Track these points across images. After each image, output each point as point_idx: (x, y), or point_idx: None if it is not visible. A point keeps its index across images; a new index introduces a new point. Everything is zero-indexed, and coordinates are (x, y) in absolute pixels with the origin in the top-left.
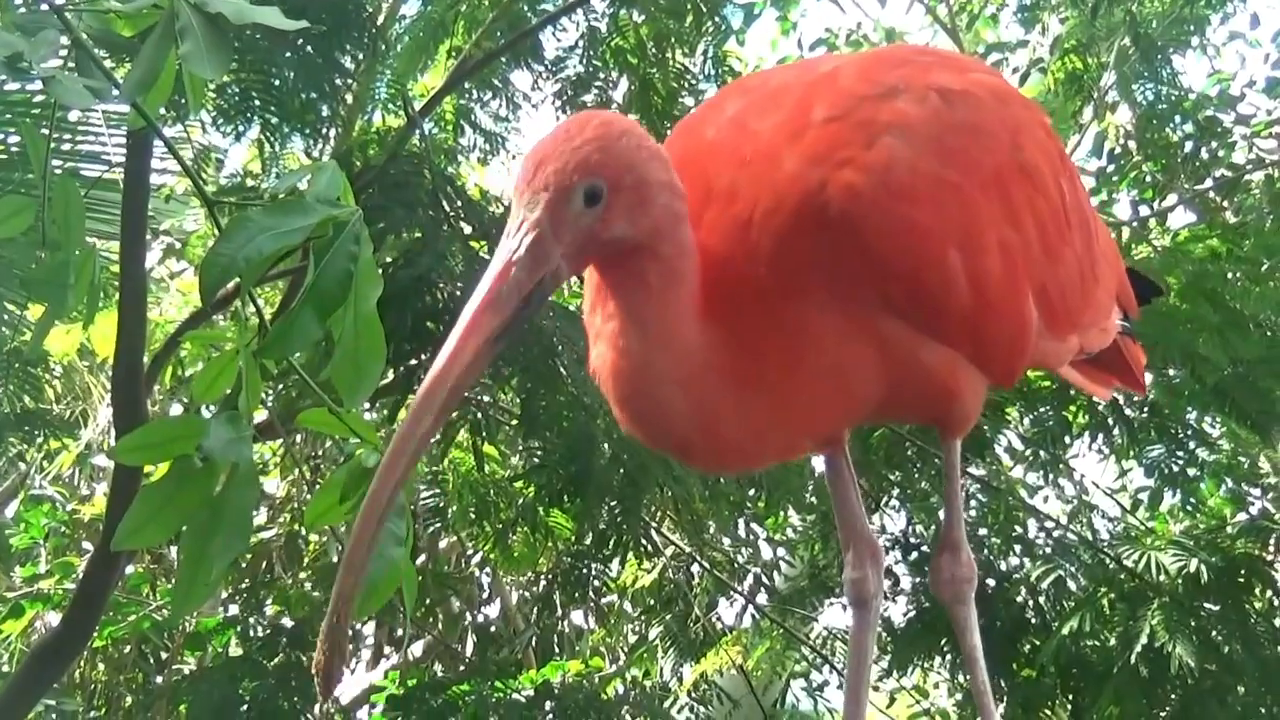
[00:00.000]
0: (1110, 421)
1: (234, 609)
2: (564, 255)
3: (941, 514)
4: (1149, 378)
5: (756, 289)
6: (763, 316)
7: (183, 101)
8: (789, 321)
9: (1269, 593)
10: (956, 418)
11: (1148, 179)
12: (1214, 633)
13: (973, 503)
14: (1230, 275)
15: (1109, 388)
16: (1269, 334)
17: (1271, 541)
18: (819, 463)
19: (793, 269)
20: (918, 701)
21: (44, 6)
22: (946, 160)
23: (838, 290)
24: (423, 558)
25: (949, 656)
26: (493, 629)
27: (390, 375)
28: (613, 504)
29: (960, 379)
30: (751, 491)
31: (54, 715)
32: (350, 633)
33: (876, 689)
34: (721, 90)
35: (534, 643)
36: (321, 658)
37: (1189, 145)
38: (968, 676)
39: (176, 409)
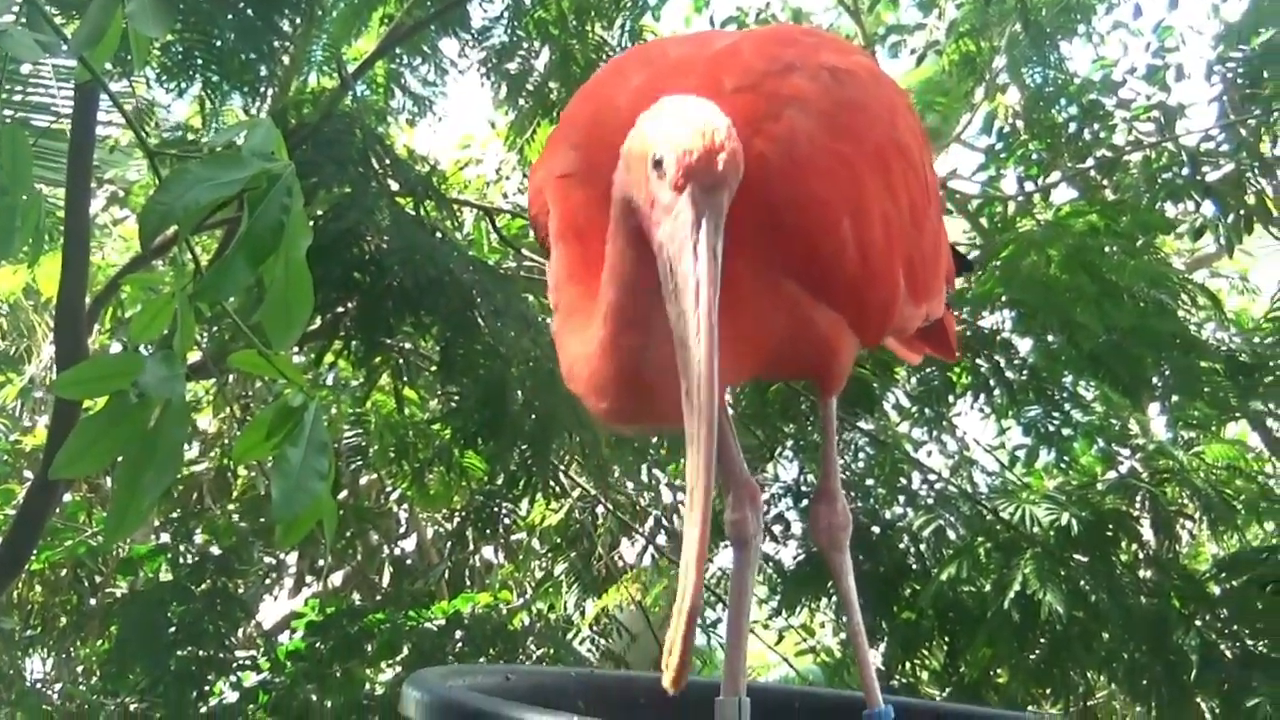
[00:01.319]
0: (991, 383)
1: (165, 537)
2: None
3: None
4: (1028, 342)
5: None
6: None
7: (128, 58)
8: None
9: (1134, 546)
10: (835, 375)
11: (1034, 157)
12: (1082, 582)
13: (861, 455)
14: (1108, 249)
15: (921, 354)
16: (1142, 305)
17: (1138, 498)
18: None
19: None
20: (804, 640)
21: None
22: (838, 134)
23: (750, 252)
24: (344, 493)
25: (834, 598)
26: (408, 562)
27: (318, 322)
28: (524, 447)
29: (842, 340)
30: (654, 439)
31: None
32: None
33: (766, 627)
34: (618, 60)
35: (446, 576)
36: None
37: (1073, 126)
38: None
39: (116, 348)
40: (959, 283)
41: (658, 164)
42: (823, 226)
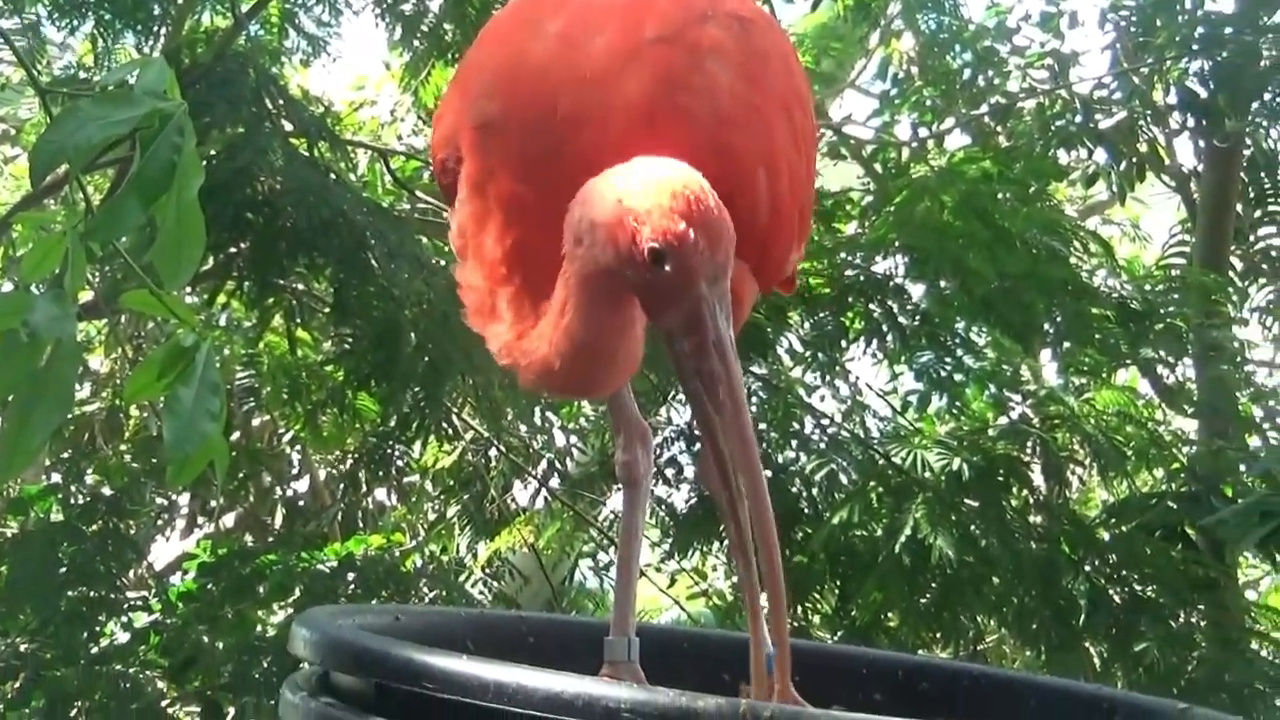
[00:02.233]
0: (884, 328)
1: (56, 477)
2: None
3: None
4: (921, 288)
5: None
6: None
7: None
8: None
9: (1025, 491)
10: (738, 322)
11: (928, 103)
12: (973, 527)
13: (754, 399)
14: (1001, 196)
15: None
16: (1034, 251)
17: (1029, 444)
18: None
19: None
20: (697, 583)
21: None
22: (752, 85)
23: None
24: (237, 435)
25: (725, 542)
26: (301, 504)
27: (210, 262)
28: (417, 390)
29: (746, 288)
30: None
31: None
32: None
33: (659, 570)
34: (521, 4)
35: (339, 517)
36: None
37: (967, 73)
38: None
39: (8, 287)
40: (849, 228)
41: (657, 257)
42: (741, 179)
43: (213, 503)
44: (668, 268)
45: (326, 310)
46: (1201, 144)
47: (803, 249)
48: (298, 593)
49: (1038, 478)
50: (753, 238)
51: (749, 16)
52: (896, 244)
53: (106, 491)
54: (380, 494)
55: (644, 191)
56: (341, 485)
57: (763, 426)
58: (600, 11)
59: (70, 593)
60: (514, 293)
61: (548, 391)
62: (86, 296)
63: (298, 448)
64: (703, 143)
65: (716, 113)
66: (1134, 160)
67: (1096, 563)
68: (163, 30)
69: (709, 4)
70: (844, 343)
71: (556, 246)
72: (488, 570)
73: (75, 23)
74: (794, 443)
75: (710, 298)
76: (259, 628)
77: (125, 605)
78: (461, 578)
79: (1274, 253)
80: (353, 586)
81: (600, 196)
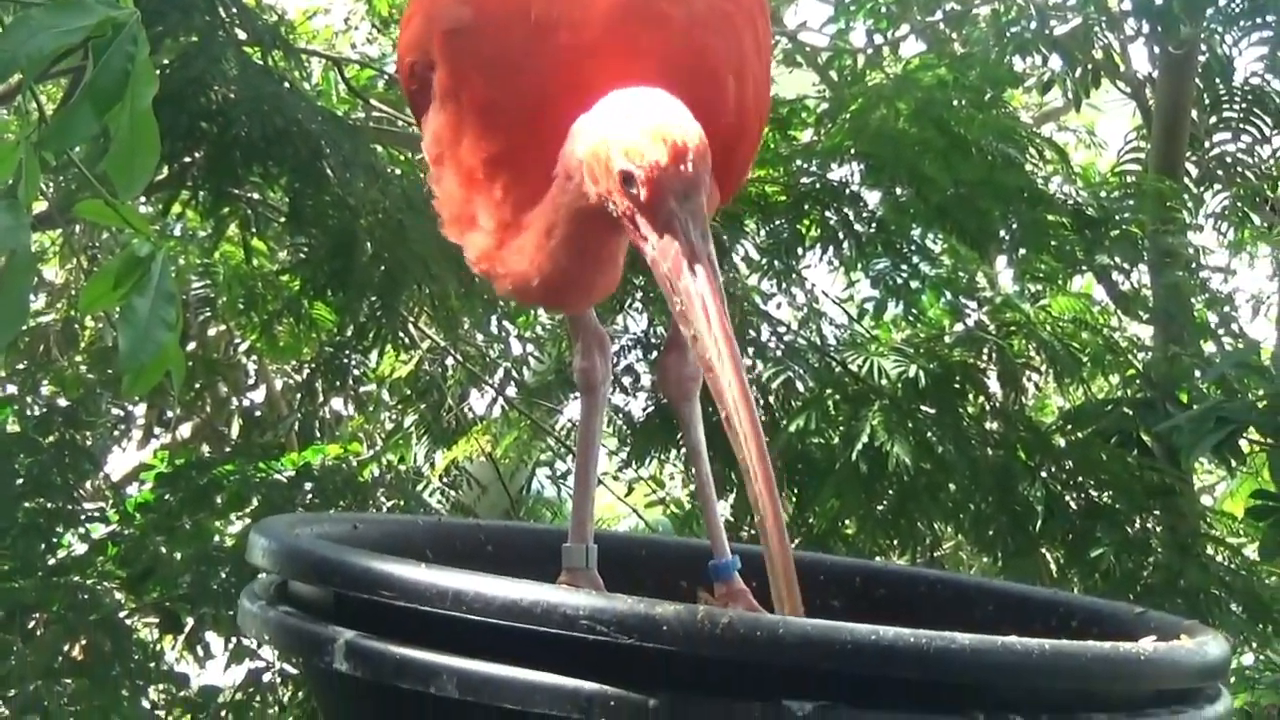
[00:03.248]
0: (840, 235)
1: (12, 389)
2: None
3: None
4: (877, 195)
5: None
6: None
7: None
8: None
9: (981, 398)
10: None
11: (883, 10)
12: (929, 434)
13: None
14: (956, 103)
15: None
16: (990, 159)
17: (985, 351)
18: None
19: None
20: (654, 491)
21: None
22: None
23: None
24: (193, 345)
25: (683, 450)
26: (257, 414)
27: (165, 171)
28: (373, 299)
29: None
30: None
31: None
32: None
33: (616, 479)
34: None
35: (296, 427)
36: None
37: None
38: (692, 468)
39: None
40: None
41: (627, 180)
42: (713, 84)
43: (169, 413)
44: (638, 191)
45: (282, 220)
46: (1156, 50)
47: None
48: (255, 503)
49: (994, 385)
50: (718, 146)
51: None
52: (852, 151)
53: (62, 403)
54: (337, 404)
55: (621, 122)
56: (298, 395)
57: None
58: None
59: (27, 504)
60: (494, 200)
61: (520, 301)
62: (41, 207)
63: (254, 358)
64: (679, 48)
65: (692, 18)
66: (1089, 67)
67: (1052, 469)
68: None
69: None
70: (800, 250)
71: (534, 153)
72: (445, 480)
73: None
74: (750, 350)
75: (682, 214)
76: (216, 538)
77: (82, 516)
78: (419, 487)
79: (1228, 159)
80: (310, 496)
81: (586, 133)
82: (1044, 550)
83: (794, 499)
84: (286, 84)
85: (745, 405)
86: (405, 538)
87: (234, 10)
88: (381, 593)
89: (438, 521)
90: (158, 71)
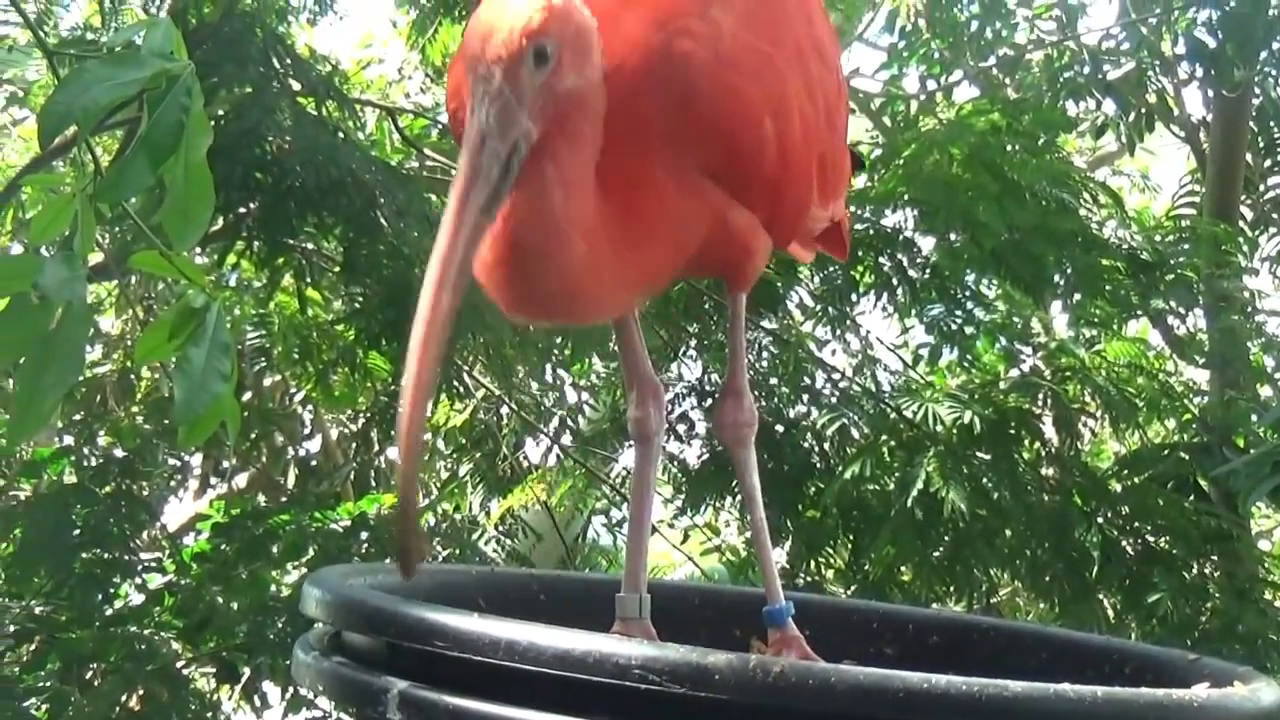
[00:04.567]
0: (894, 281)
1: (69, 439)
2: (530, 117)
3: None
4: (931, 241)
5: (612, 147)
6: (622, 174)
7: None
8: (641, 177)
9: (1036, 444)
10: (748, 275)
11: (936, 55)
12: (985, 480)
13: (764, 354)
14: (1009, 148)
15: (813, 252)
16: (1043, 203)
17: (1040, 396)
18: None
19: (637, 128)
20: (709, 539)
21: None
22: (760, 33)
23: (672, 151)
24: (248, 395)
25: (738, 497)
26: (314, 463)
27: (220, 222)
28: None
29: (757, 241)
30: (558, 339)
31: None
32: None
33: (671, 526)
34: None
35: (352, 476)
36: (399, 542)
37: (975, 25)
38: (746, 514)
39: (18, 249)
40: (857, 181)
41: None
42: (746, 125)
43: (225, 463)
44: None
45: (336, 269)
46: (1210, 94)
47: (833, 206)
48: (311, 552)
49: (1049, 430)
50: (761, 186)
51: None
52: (906, 197)
53: (119, 453)
54: (393, 452)
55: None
56: (354, 444)
57: (773, 382)
58: None
59: (84, 555)
60: None
61: (516, 313)
62: (96, 258)
63: (310, 407)
64: (704, 87)
65: (719, 57)
66: (1142, 111)
67: (1109, 514)
68: None
69: None
70: (854, 296)
71: None
72: (501, 528)
73: None
74: (805, 397)
75: (476, 92)
76: (273, 588)
77: (139, 567)
78: (475, 536)
79: None
80: (366, 546)
81: None
82: (1101, 596)
83: (850, 545)
84: (341, 134)
85: (436, 268)
86: (459, 587)
87: (288, 61)
88: (435, 643)
89: (491, 571)
90: (212, 123)
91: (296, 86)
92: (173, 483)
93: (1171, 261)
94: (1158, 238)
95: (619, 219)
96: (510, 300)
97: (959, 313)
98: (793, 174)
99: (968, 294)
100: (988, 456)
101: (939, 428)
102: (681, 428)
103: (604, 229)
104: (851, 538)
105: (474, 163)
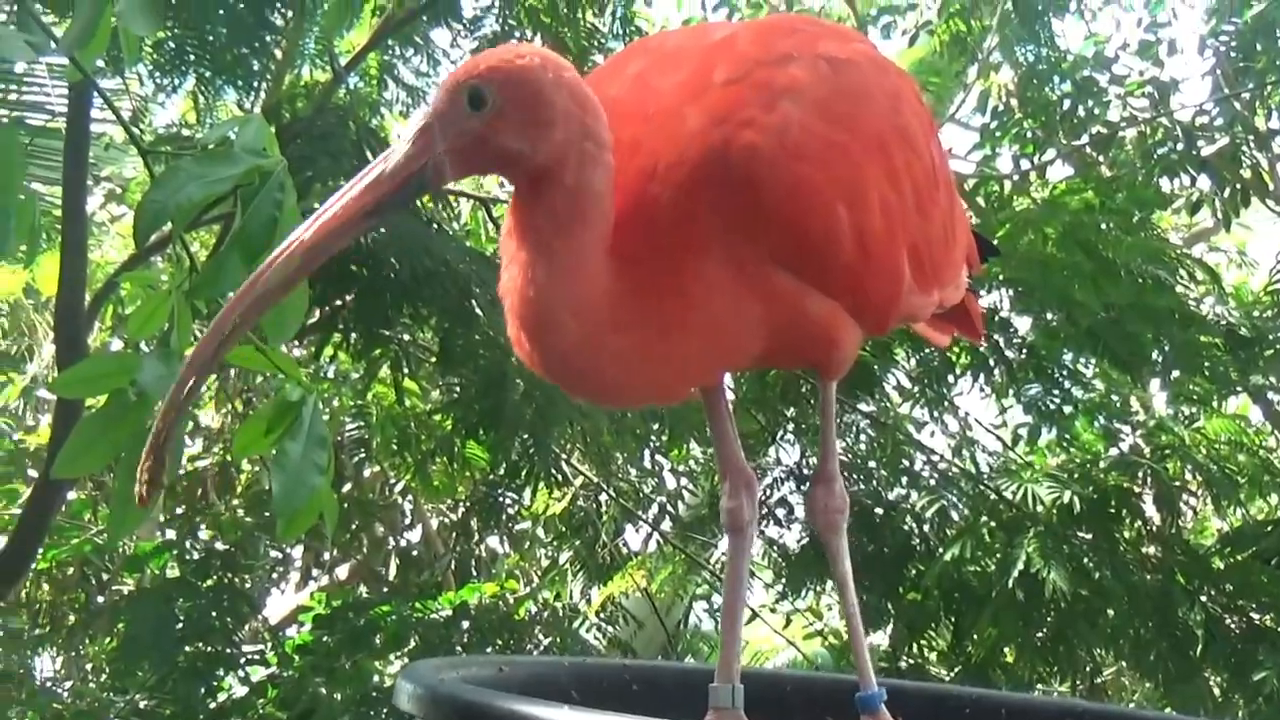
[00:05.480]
0: (991, 362)
1: (171, 533)
2: (446, 151)
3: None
4: (1027, 321)
5: (656, 238)
6: (660, 264)
7: (120, 55)
8: (685, 272)
9: (1137, 522)
10: (835, 363)
11: (1028, 135)
12: (1085, 559)
13: (862, 437)
14: (1104, 226)
15: (949, 335)
16: (1139, 281)
17: (1140, 475)
18: None
19: (692, 221)
20: (811, 623)
21: None
22: (834, 122)
23: (732, 244)
24: (348, 486)
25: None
26: (414, 553)
27: (317, 314)
28: (525, 436)
29: (840, 328)
30: (655, 426)
31: (0, 633)
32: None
33: (773, 611)
34: (621, 51)
35: (453, 566)
36: (144, 467)
37: (1067, 103)
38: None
39: (118, 345)
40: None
41: None
42: (814, 212)
43: (326, 555)
44: None
45: (433, 360)
46: None
47: (939, 293)
48: (413, 642)
49: (1150, 508)
50: (838, 274)
51: (845, 56)
52: (1001, 277)
53: (221, 546)
54: (492, 541)
55: None
56: (454, 534)
57: (871, 464)
58: (679, 55)
59: (187, 648)
60: None
61: (556, 381)
62: None
63: (409, 497)
64: (767, 176)
65: (785, 147)
66: (1237, 186)
67: (1212, 592)
68: (263, 85)
69: (796, 44)
70: (951, 377)
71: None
72: (602, 615)
73: (176, 81)
74: (904, 479)
75: (417, 114)
76: (375, 678)
77: (242, 659)
78: (575, 624)
79: None
80: (467, 635)
81: None
82: (1207, 675)
83: (951, 627)
84: (435, 225)
85: (289, 242)
86: (551, 679)
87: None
88: None
89: (583, 662)
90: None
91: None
92: (274, 575)
93: (1270, 337)
94: (1255, 313)
95: (639, 305)
96: (540, 368)
97: (1057, 392)
98: (875, 261)
99: (1065, 373)
100: (1088, 536)
101: (1039, 508)
102: (780, 512)
103: (610, 312)
104: (953, 620)
105: (376, 170)
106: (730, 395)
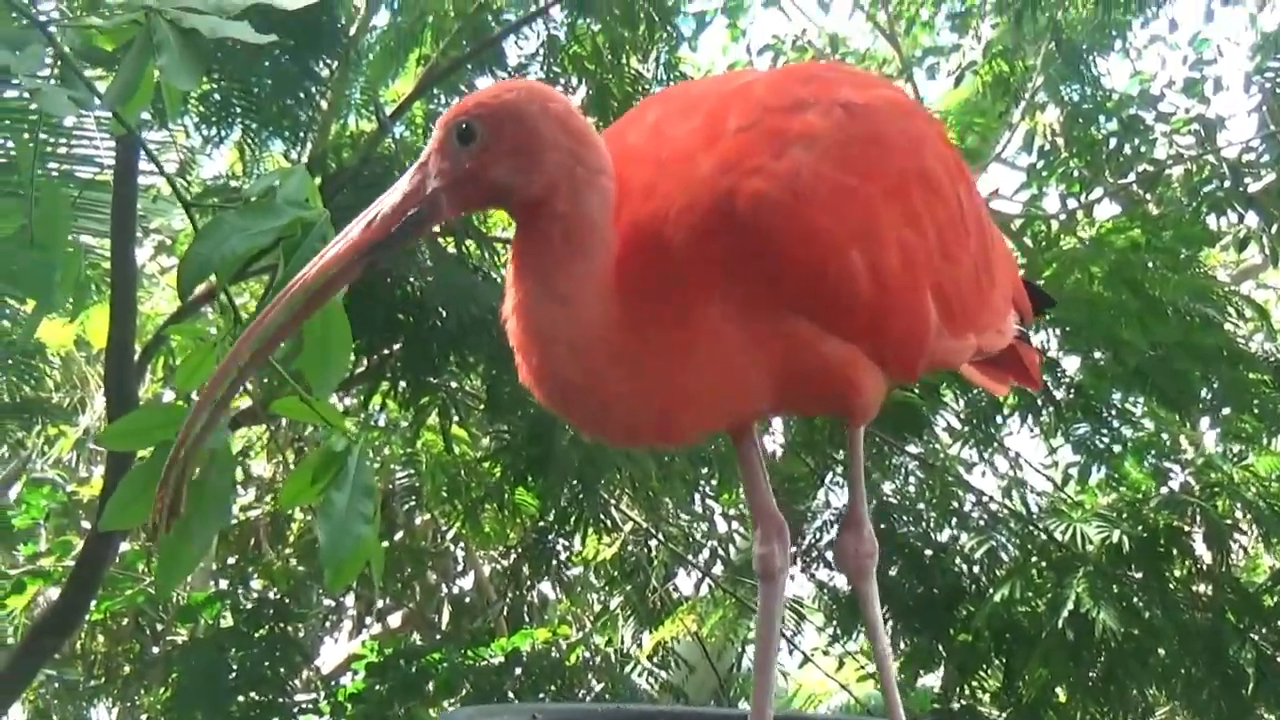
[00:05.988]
0: (1039, 402)
1: (223, 583)
2: (442, 188)
3: (872, 489)
4: (1075, 360)
5: (666, 282)
6: (668, 307)
7: (164, 109)
8: (693, 316)
9: (1187, 561)
10: (859, 408)
11: (1075, 174)
12: (1136, 599)
13: (911, 479)
14: (1151, 264)
15: (1006, 384)
16: (1186, 319)
17: (1190, 513)
18: (769, 443)
19: (702, 266)
20: (863, 666)
21: (30, 21)
22: (847, 167)
23: (743, 290)
24: (400, 534)
25: (891, 622)
26: (466, 600)
27: (365, 363)
28: (574, 482)
29: (860, 374)
30: (704, 470)
31: (56, 684)
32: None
33: (826, 654)
34: (645, 100)
35: (505, 612)
36: (160, 497)
37: (1113, 142)
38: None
39: (170, 396)
40: None
41: None
42: (825, 256)
43: (379, 603)
44: None
45: (481, 407)
46: None
47: (980, 339)
48: (465, 689)
49: (1200, 546)
50: (854, 318)
51: (863, 102)
52: (1048, 317)
53: (273, 595)
54: (544, 587)
55: None
56: (505, 580)
57: (920, 506)
58: (696, 103)
59: (240, 697)
60: None
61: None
62: (245, 404)
63: (461, 544)
64: (775, 223)
65: (794, 193)
66: None
67: (1264, 630)
68: (309, 135)
69: (814, 91)
70: (999, 418)
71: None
72: (653, 660)
73: (222, 133)
74: (953, 520)
75: (421, 162)
76: None
77: (295, 708)
78: (627, 668)
79: None
80: (519, 680)
81: None
82: (1260, 712)
83: (1003, 668)
84: (481, 273)
85: (298, 278)
86: None
87: None
88: None
89: (617, 707)
90: None
91: (436, 228)
92: (327, 624)
93: None
94: None
95: (640, 338)
96: (542, 400)
97: (1105, 431)
98: (894, 301)
99: (1114, 412)
100: (1139, 575)
101: (1089, 548)
102: (830, 554)
103: (609, 342)
104: (1004, 660)
105: (375, 212)
106: (780, 439)
